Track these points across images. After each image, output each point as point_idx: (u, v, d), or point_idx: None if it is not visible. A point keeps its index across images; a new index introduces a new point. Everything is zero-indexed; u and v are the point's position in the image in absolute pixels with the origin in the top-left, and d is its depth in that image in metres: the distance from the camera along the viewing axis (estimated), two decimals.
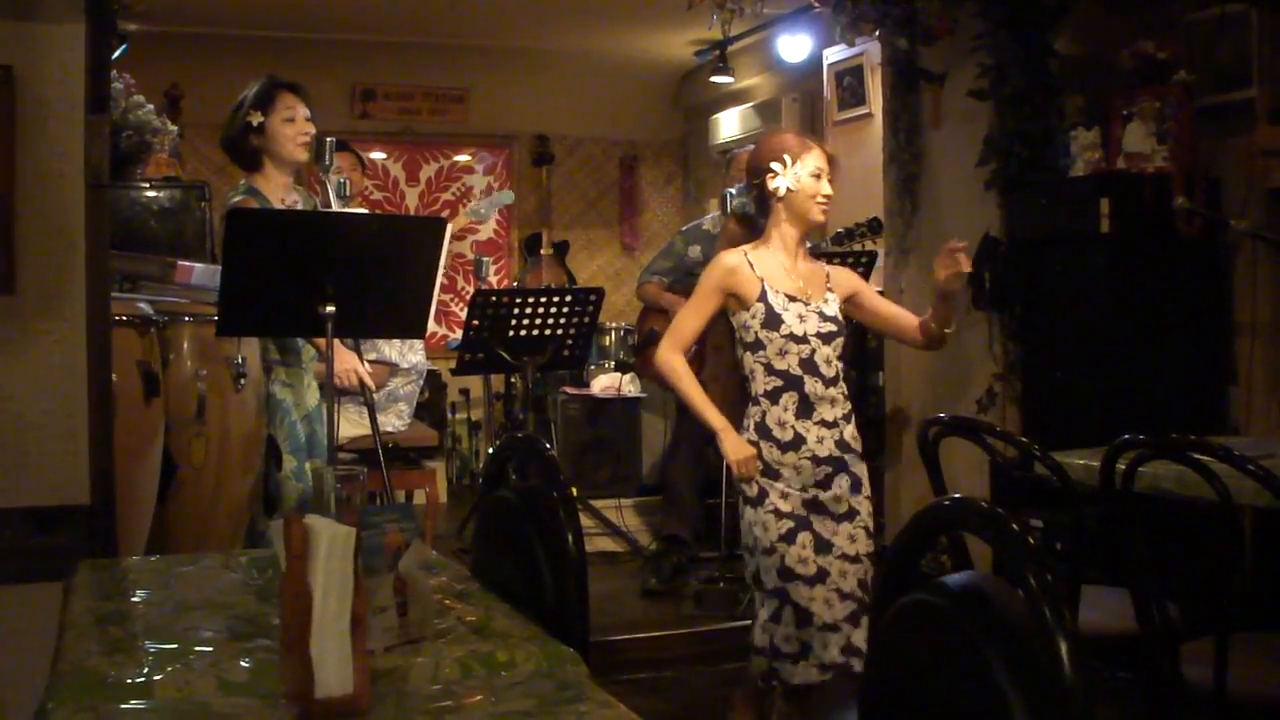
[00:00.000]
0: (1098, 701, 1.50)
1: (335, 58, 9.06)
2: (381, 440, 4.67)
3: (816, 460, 4.06)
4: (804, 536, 4.01)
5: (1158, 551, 3.07)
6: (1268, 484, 2.75)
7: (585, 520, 6.65)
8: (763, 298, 4.08)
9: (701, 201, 9.98)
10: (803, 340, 4.08)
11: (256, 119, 4.50)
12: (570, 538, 2.19)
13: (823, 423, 4.08)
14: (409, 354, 6.12)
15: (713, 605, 5.76)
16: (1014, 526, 1.62)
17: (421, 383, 6.39)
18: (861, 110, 7.87)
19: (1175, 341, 5.15)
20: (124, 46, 5.35)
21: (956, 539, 3.48)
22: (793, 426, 4.06)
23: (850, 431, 4.16)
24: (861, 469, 4.16)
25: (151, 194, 5.16)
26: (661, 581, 6.17)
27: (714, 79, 8.93)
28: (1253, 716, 2.92)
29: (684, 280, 5.85)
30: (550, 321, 5.66)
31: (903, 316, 4.40)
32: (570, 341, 5.76)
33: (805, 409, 4.07)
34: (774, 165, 4.13)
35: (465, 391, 9.14)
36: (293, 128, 4.51)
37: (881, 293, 6.17)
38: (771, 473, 4.07)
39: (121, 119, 4.95)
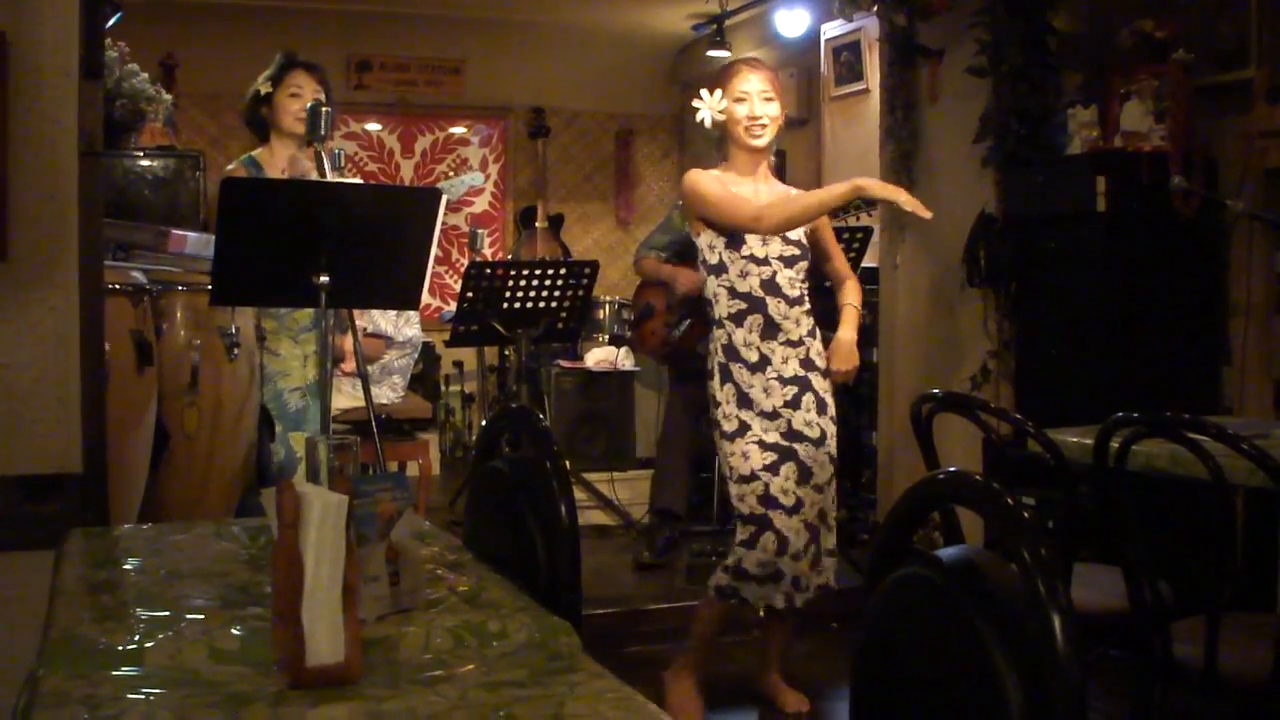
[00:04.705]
0: (1089, 678, 1.50)
1: (331, 28, 9.03)
2: (375, 412, 4.68)
3: (783, 380, 4.21)
4: (788, 468, 4.17)
5: (1150, 530, 3.07)
6: (1261, 464, 2.75)
7: (578, 493, 6.64)
8: None
9: None
10: (764, 262, 4.20)
11: (266, 89, 4.78)
12: (563, 508, 2.18)
13: (788, 343, 4.22)
14: (404, 327, 6.11)
15: (705, 579, 5.75)
16: (1009, 500, 1.61)
17: (416, 356, 6.38)
18: (859, 86, 7.86)
19: (1170, 321, 5.15)
20: (119, 14, 5.30)
21: (949, 515, 3.48)
22: (758, 348, 4.20)
23: (816, 348, 4.30)
24: (826, 387, 4.30)
25: (145, 163, 5.13)
26: (654, 555, 6.17)
27: (711, 53, 8.90)
28: (1243, 696, 2.92)
29: (682, 254, 5.84)
30: (545, 294, 5.65)
31: (836, 276, 4.49)
32: (564, 314, 5.75)
33: (770, 330, 4.21)
34: (694, 102, 4.30)
35: (459, 364, 9.14)
36: (297, 103, 4.72)
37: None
38: (744, 400, 4.20)
39: (115, 87, 4.92)
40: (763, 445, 4.17)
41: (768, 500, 4.15)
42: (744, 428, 4.19)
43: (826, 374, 4.31)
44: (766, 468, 4.16)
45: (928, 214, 4.03)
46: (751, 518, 4.17)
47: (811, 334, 4.29)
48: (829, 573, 4.30)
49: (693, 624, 4.50)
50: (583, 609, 2.17)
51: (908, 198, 4.02)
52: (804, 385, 4.24)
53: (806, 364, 4.26)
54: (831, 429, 4.29)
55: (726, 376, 4.23)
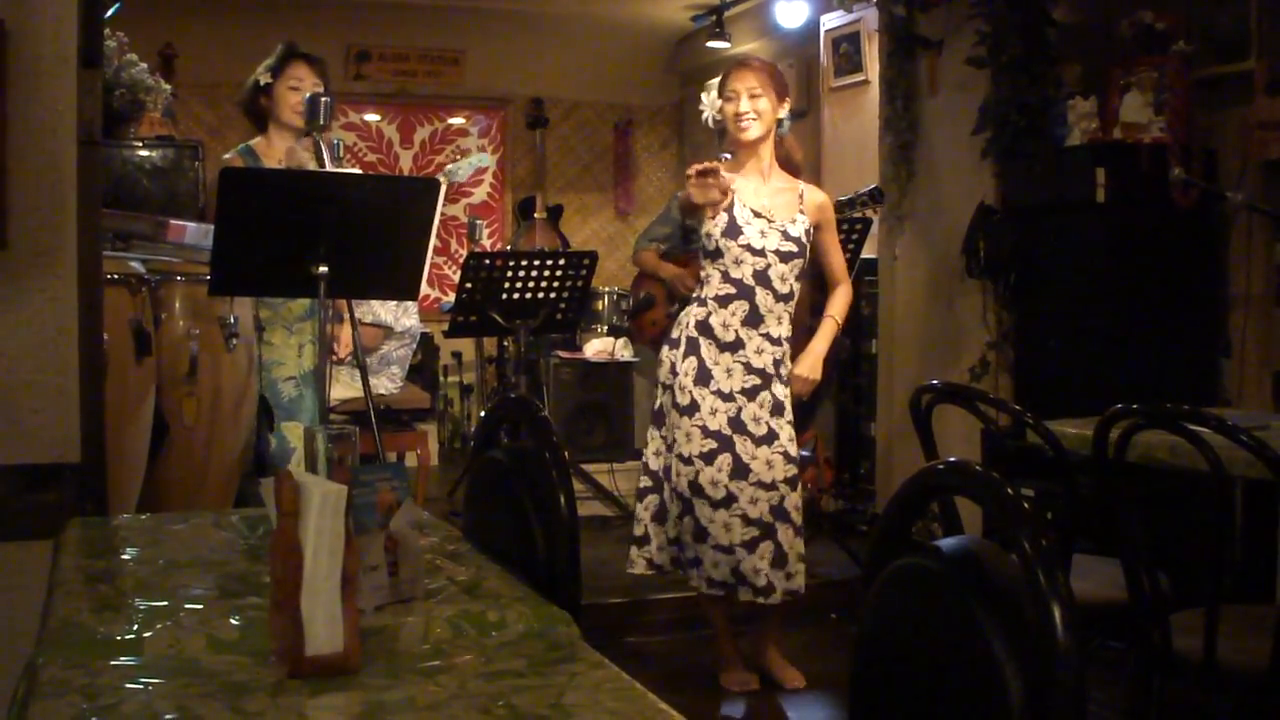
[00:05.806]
0: (1087, 669, 1.50)
1: (330, 18, 9.00)
2: (374, 402, 4.68)
3: (749, 368, 4.37)
4: (723, 459, 4.31)
5: (1149, 521, 3.07)
6: (1260, 455, 2.75)
7: (577, 485, 6.64)
8: (729, 208, 4.38)
9: None
10: (760, 254, 4.37)
11: (265, 79, 4.79)
12: (563, 497, 2.18)
13: (766, 336, 4.39)
14: (403, 317, 6.10)
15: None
16: (1009, 490, 1.61)
17: (415, 346, 6.38)
18: (858, 77, 7.85)
19: (1169, 312, 5.15)
20: (118, 5, 5.31)
21: (948, 505, 3.48)
22: (736, 331, 4.37)
23: (787, 356, 4.46)
24: (785, 394, 4.44)
25: (144, 153, 5.14)
26: None
27: (710, 44, 8.89)
28: (1242, 687, 2.92)
29: (681, 246, 5.83)
30: (543, 285, 5.64)
31: (830, 276, 4.63)
32: (563, 305, 5.74)
33: (752, 319, 4.38)
34: (700, 107, 4.72)
35: (457, 354, 9.13)
36: (296, 96, 4.71)
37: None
38: (703, 376, 4.36)
39: (114, 77, 4.93)
40: (705, 431, 4.33)
41: (694, 487, 4.31)
42: (694, 406, 4.35)
43: (787, 381, 4.45)
44: (702, 455, 4.31)
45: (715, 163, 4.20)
46: (680, 497, 4.35)
47: (788, 341, 4.45)
48: (799, 578, 4.39)
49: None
50: (581, 599, 2.17)
51: (691, 169, 4.25)
52: (767, 383, 4.39)
53: (777, 364, 4.42)
54: (786, 432, 4.40)
55: (692, 350, 4.39)
